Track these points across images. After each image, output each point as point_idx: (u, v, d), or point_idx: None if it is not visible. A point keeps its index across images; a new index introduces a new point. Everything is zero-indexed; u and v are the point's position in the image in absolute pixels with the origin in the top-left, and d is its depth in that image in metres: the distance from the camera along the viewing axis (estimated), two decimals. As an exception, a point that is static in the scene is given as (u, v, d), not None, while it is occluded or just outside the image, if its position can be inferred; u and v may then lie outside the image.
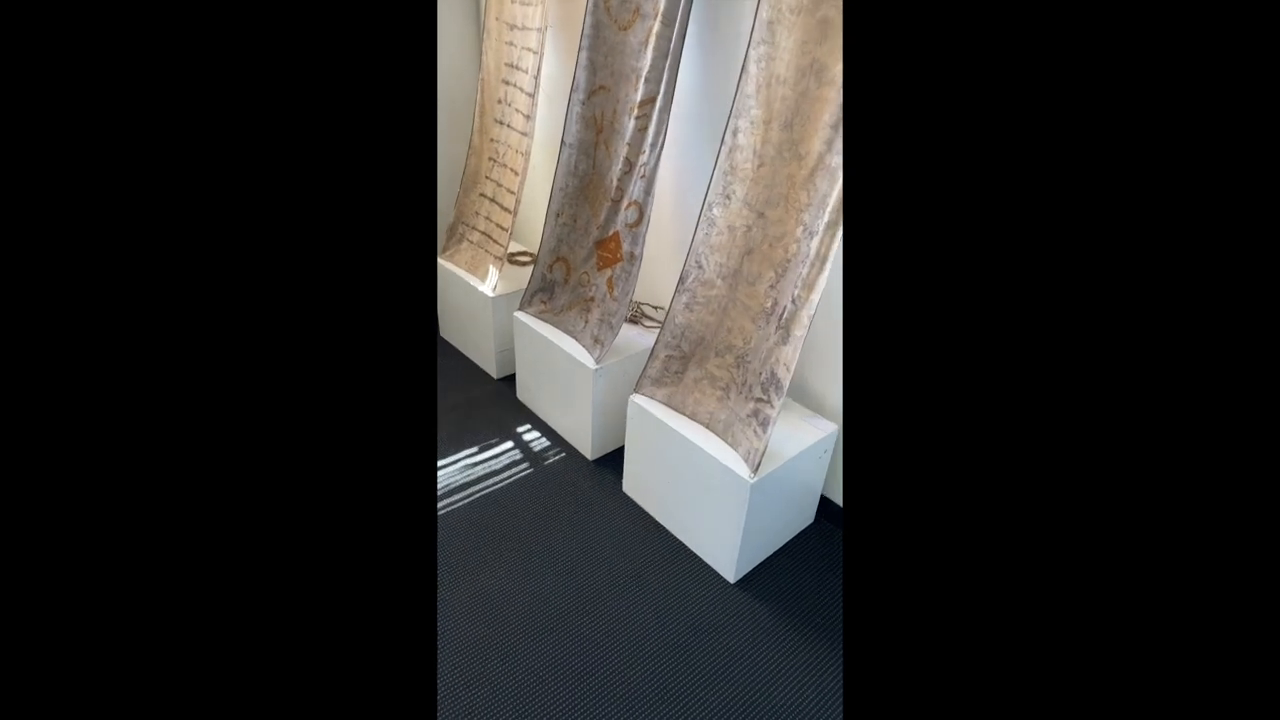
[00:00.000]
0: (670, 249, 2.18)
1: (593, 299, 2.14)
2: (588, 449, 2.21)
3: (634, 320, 2.27)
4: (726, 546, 1.77)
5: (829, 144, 1.49)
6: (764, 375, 1.64)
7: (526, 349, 2.32)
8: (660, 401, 1.88)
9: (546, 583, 1.77)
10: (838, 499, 2.00)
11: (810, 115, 1.51)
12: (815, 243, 1.51)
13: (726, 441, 1.74)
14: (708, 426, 1.79)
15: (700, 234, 1.72)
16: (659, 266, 2.23)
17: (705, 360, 1.83)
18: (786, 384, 1.57)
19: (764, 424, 1.62)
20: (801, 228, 1.59)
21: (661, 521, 1.97)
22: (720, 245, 1.72)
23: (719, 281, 1.76)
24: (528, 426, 2.36)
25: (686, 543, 1.90)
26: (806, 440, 1.76)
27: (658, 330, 2.09)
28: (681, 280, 1.78)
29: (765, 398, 1.63)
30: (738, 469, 1.65)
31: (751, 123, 1.60)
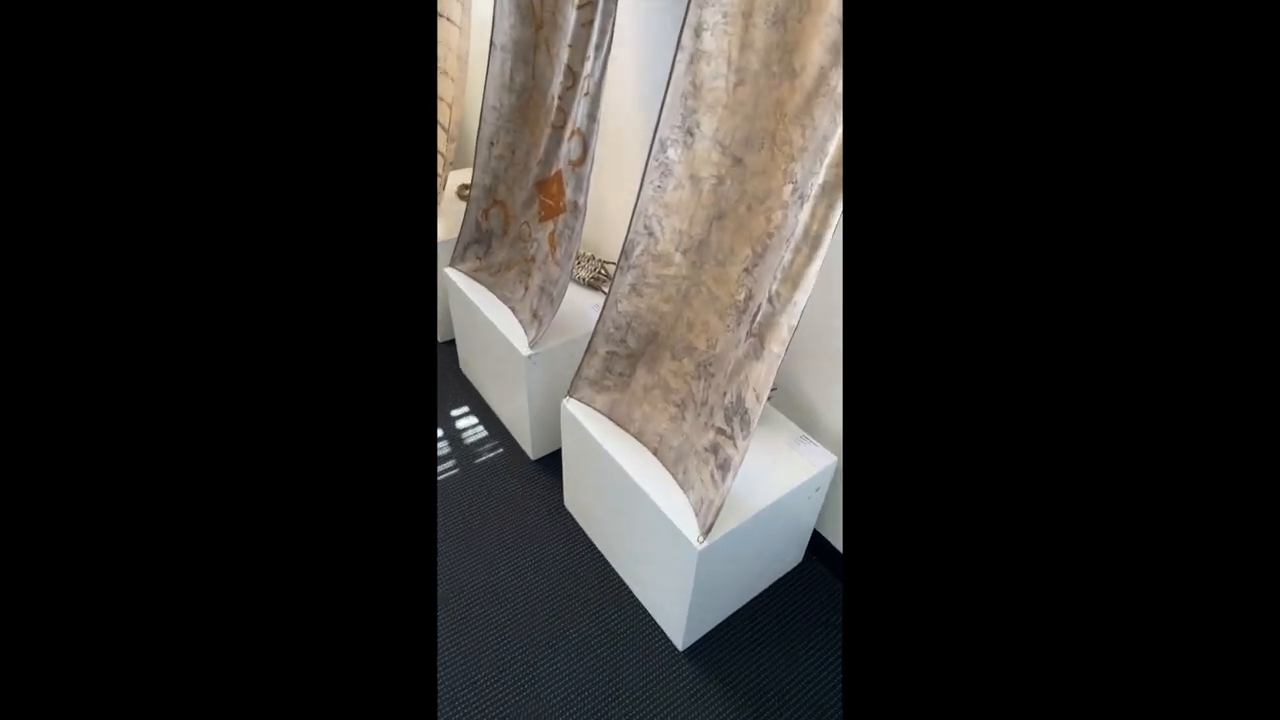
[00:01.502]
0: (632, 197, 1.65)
1: (533, 259, 1.65)
2: (529, 445, 1.78)
3: (594, 285, 1.77)
4: (673, 608, 1.35)
5: (833, 51, 0.93)
6: (729, 397, 1.15)
7: (461, 316, 1.86)
8: (600, 411, 1.41)
9: (443, 628, 1.39)
10: (834, 538, 1.53)
11: (810, 2, 0.94)
12: (804, 213, 0.97)
13: (676, 478, 1.27)
14: (655, 453, 1.32)
15: (650, 187, 1.19)
16: (623, 218, 1.71)
17: (658, 363, 1.34)
18: (756, 417, 1.08)
19: (723, 468, 1.15)
20: (790, 186, 1.05)
21: (603, 552, 1.56)
22: (679, 204, 1.19)
23: (677, 256, 1.24)
24: (465, 410, 1.94)
25: (630, 585, 1.48)
26: (792, 477, 1.28)
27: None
28: (625, 253, 1.26)
29: (728, 430, 1.15)
30: (685, 528, 1.20)
31: (725, 14, 1.03)
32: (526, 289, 1.66)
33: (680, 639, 1.36)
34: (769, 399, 1.33)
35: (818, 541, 1.55)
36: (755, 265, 1.13)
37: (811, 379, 1.39)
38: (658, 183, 1.18)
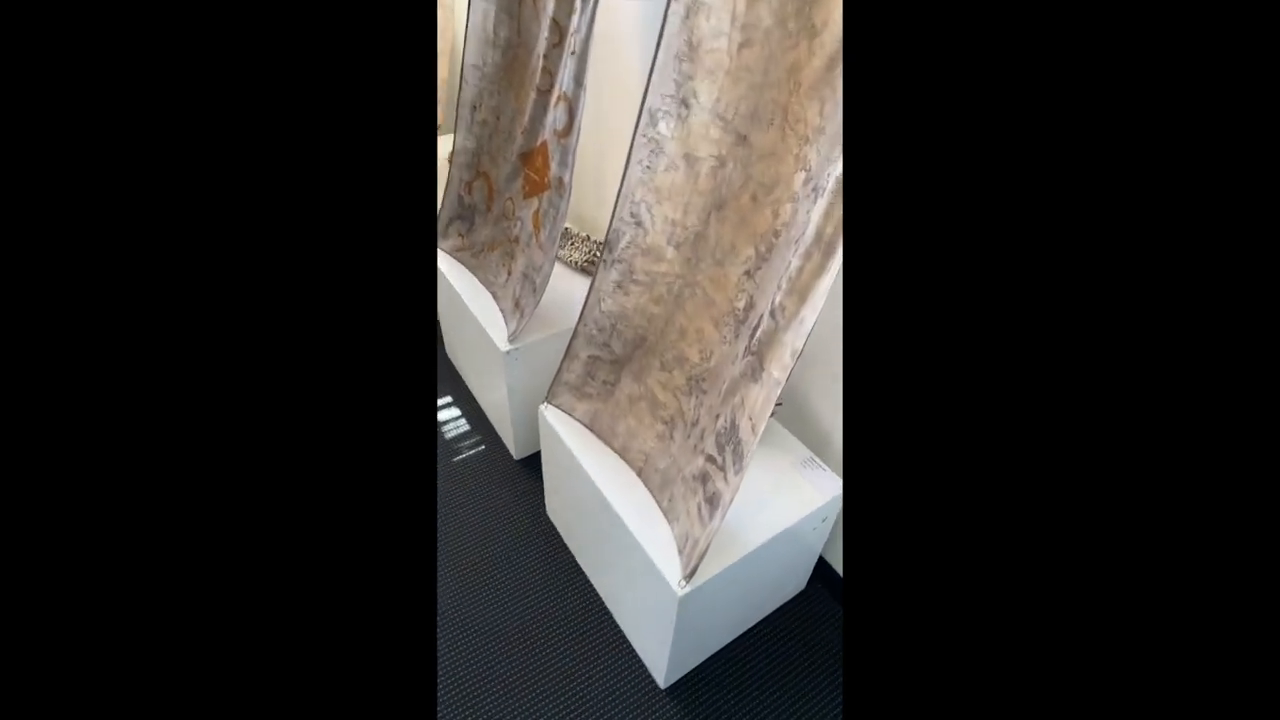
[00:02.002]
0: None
1: (517, 241, 1.47)
2: (511, 444, 1.63)
3: (588, 270, 1.59)
4: (653, 646, 1.20)
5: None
6: (723, 421, 0.98)
7: (444, 300, 1.70)
8: (580, 421, 1.25)
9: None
10: (841, 563, 1.37)
11: (836, -61, 0.73)
12: (818, 211, 0.78)
13: (661, 506, 1.11)
14: (640, 474, 1.16)
15: (638, 166, 1.00)
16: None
17: (645, 373, 1.16)
18: (750, 451, 0.90)
19: (712, 503, 0.98)
20: (803, 174, 0.85)
21: (584, 569, 1.41)
22: (672, 189, 1.00)
23: (670, 251, 1.05)
24: (448, 400, 1.79)
25: (611, 609, 1.34)
26: (796, 507, 1.11)
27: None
28: (610, 244, 1.08)
29: (718, 459, 0.98)
30: (667, 568, 1.04)
31: (731, -44, 0.83)
32: (509, 274, 1.49)
33: (661, 677, 1.22)
34: (773, 414, 1.16)
35: (823, 568, 1.39)
36: (759, 268, 0.94)
37: (820, 393, 1.21)
38: (647, 162, 0.99)
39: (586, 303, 1.13)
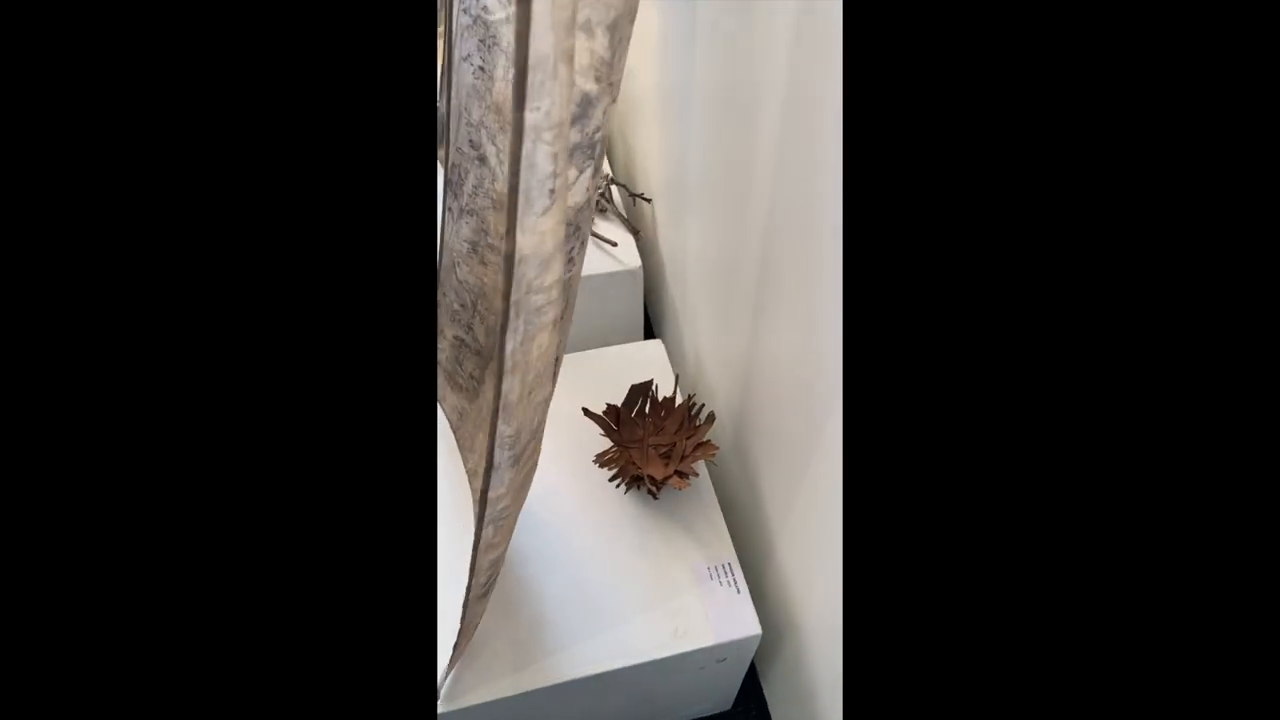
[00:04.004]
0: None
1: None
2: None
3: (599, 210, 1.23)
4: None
5: None
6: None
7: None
8: (448, 416, 0.94)
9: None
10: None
11: None
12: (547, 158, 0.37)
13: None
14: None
15: (466, 68, 0.62)
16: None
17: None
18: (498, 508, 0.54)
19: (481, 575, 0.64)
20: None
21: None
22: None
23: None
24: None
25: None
26: (666, 637, 0.72)
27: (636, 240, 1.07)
28: (451, 185, 0.72)
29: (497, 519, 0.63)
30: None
31: None
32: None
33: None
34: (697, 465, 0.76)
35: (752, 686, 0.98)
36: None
37: (770, 458, 0.77)
38: (479, 61, 0.61)
39: (440, 259, 0.80)
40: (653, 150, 1.18)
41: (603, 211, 1.24)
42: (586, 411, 0.82)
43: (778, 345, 0.71)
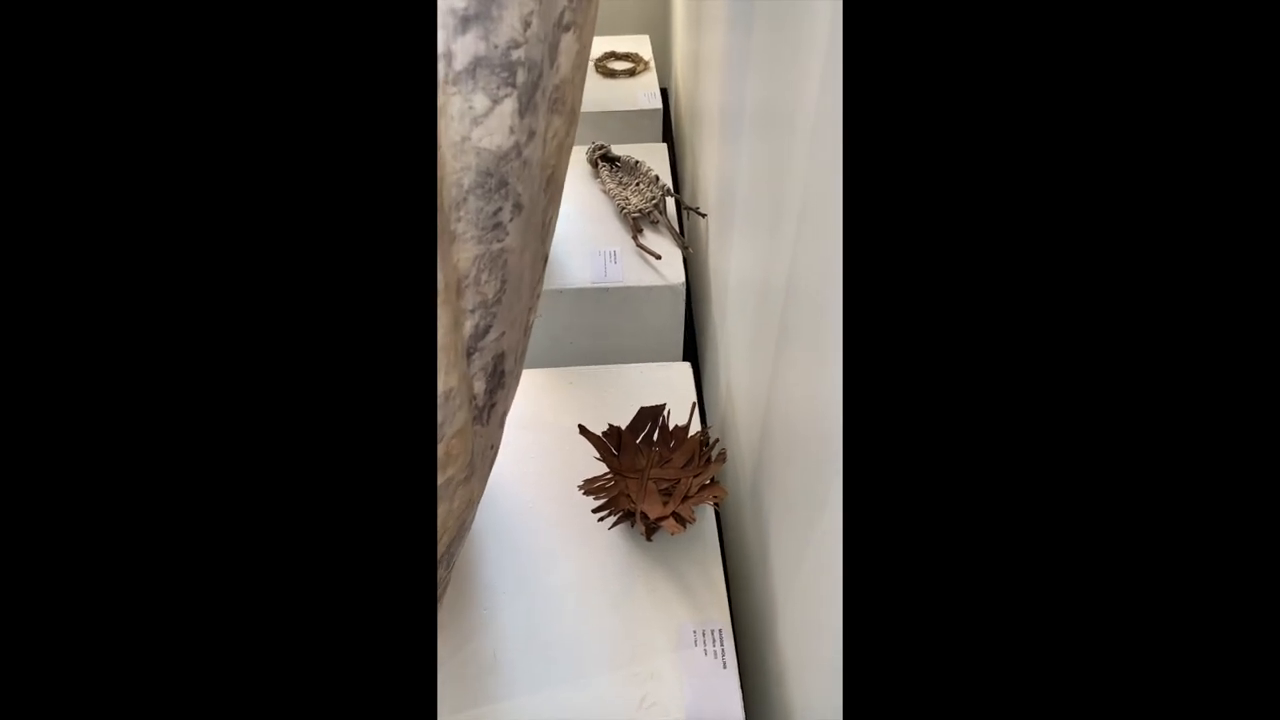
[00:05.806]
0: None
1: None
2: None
3: (640, 223, 1.15)
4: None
5: None
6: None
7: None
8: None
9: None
10: None
11: None
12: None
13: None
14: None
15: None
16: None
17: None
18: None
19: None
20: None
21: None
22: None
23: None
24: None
25: None
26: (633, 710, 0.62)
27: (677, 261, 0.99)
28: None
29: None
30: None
31: None
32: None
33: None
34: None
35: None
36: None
37: (776, 498, 0.66)
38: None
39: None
40: (710, 168, 1.10)
41: (655, 223, 1.17)
42: (583, 429, 0.74)
43: (794, 387, 0.61)
